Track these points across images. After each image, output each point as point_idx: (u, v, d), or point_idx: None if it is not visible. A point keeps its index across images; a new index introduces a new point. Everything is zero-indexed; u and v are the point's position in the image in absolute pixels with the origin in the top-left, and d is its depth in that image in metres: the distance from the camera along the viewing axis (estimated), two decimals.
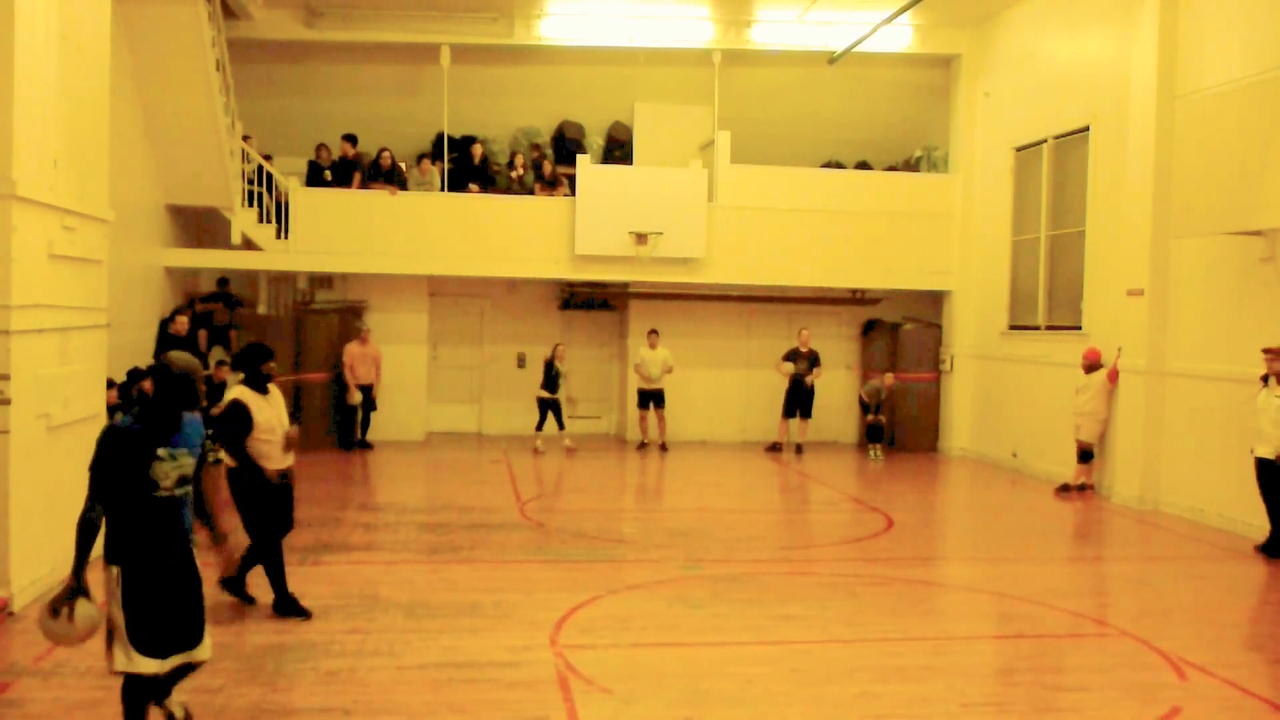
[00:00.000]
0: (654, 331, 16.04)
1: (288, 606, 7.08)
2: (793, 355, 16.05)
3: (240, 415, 6.94)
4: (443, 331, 17.02)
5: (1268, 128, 9.87)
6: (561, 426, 15.54)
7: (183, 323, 13.42)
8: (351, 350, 15.26)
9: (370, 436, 15.63)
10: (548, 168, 16.23)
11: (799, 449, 16.09)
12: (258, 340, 7.54)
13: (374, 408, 15.55)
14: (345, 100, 16.68)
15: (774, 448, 16.14)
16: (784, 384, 16.45)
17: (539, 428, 15.55)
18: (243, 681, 5.75)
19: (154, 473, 4.43)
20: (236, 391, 7.03)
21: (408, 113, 16.78)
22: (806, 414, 16.16)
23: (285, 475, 7.24)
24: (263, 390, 7.07)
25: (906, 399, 16.67)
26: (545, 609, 7.30)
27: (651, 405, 15.97)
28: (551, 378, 15.43)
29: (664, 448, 15.90)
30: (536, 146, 16.81)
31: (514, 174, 16.42)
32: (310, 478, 12.92)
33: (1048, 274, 14.43)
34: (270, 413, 7.06)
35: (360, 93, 16.76)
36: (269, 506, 7.14)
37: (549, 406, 15.47)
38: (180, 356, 4.59)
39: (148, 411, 4.55)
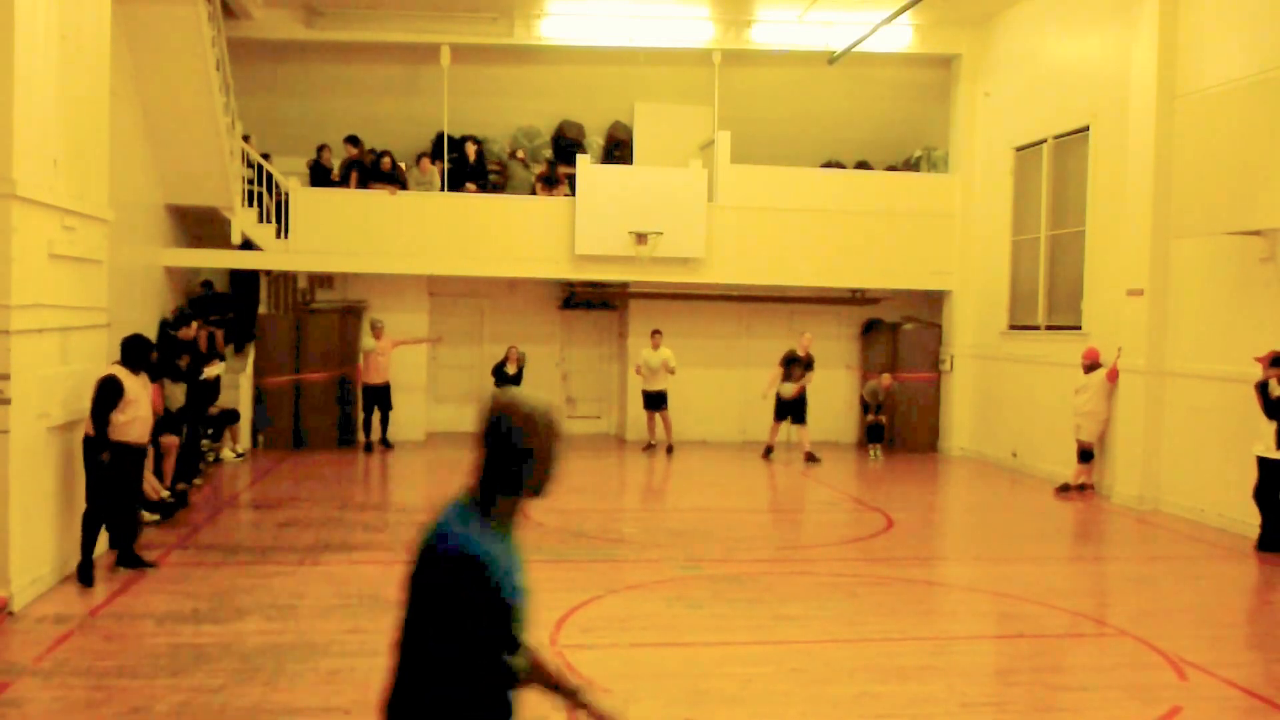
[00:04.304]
0: (656, 332, 15.88)
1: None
2: (792, 358, 15.43)
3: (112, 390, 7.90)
4: (443, 331, 16.98)
5: (1268, 128, 9.87)
6: None
7: (195, 327, 13.44)
8: (373, 346, 15.12)
9: (370, 436, 15.61)
10: (540, 169, 16.29)
11: (812, 457, 15.16)
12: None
13: (390, 407, 15.46)
14: (345, 100, 16.67)
15: (768, 452, 15.53)
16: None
17: None
18: (243, 681, 5.75)
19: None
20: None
21: (408, 113, 16.77)
22: (800, 419, 15.40)
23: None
24: (136, 372, 8.21)
25: (906, 399, 16.67)
26: (545, 609, 7.28)
27: (655, 406, 15.88)
28: (505, 378, 15.61)
29: (670, 449, 15.76)
30: (514, 154, 16.84)
31: (517, 165, 16.50)
32: (311, 477, 12.94)
33: (1048, 274, 14.42)
34: (140, 390, 8.14)
35: (360, 93, 16.75)
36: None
37: None
38: (521, 401, 2.58)
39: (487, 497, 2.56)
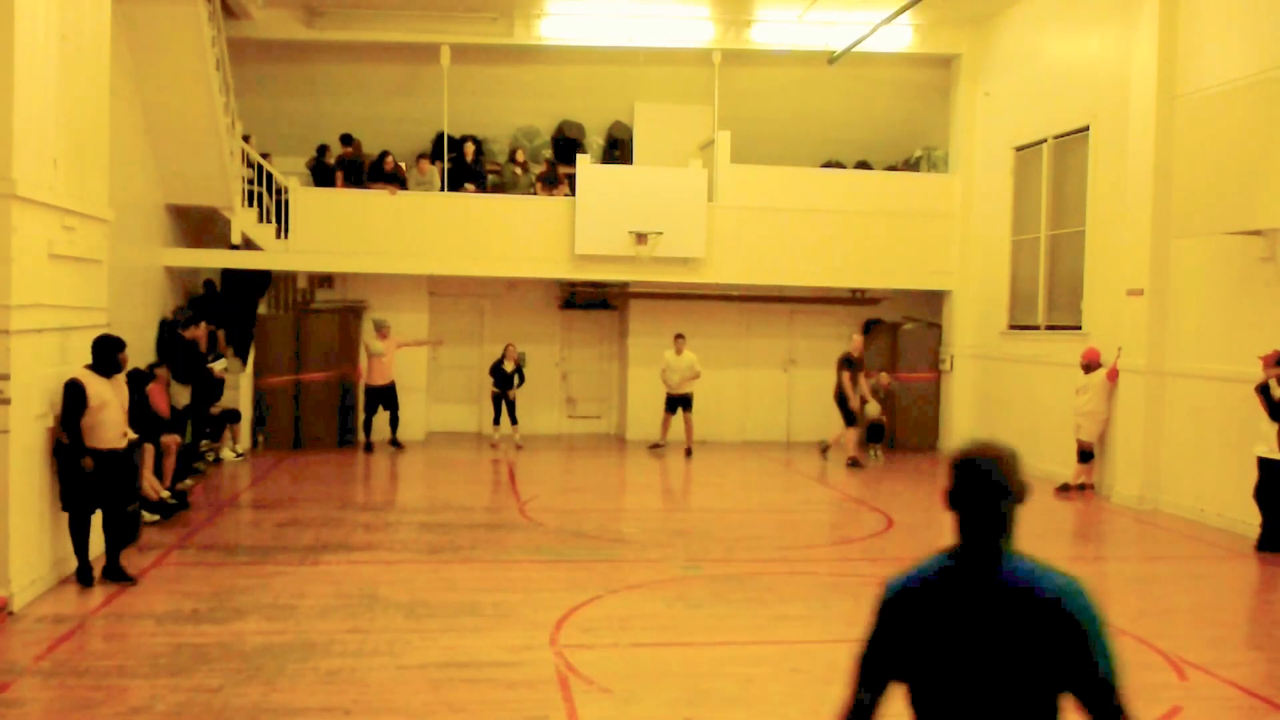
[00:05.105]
0: (680, 336, 15.62)
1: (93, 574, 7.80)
2: (850, 361, 14.84)
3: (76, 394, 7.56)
4: (443, 331, 16.98)
5: (1268, 128, 9.87)
6: (514, 422, 15.82)
7: (204, 329, 13.48)
8: (380, 349, 15.03)
9: (371, 436, 15.58)
10: (540, 169, 16.28)
11: (828, 450, 15.24)
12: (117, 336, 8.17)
13: (397, 407, 15.36)
14: (345, 100, 16.67)
15: (853, 463, 14.75)
16: (779, 384, 16.35)
17: (495, 422, 15.96)
18: (243, 681, 5.75)
19: None
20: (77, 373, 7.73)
21: (408, 113, 16.78)
22: (852, 421, 14.94)
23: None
24: (108, 375, 7.84)
25: (904, 398, 16.65)
26: (545, 609, 7.30)
27: (680, 409, 15.59)
28: (503, 376, 15.66)
29: (689, 451, 15.52)
30: (513, 158, 16.84)
31: (515, 169, 16.47)
32: (311, 477, 12.94)
33: (1048, 274, 14.42)
34: (109, 394, 7.78)
35: (360, 93, 16.75)
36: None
37: (501, 401, 15.85)
38: (991, 451, 2.54)
39: (969, 547, 2.52)
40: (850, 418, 14.87)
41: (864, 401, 15.02)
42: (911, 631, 2.53)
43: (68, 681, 5.75)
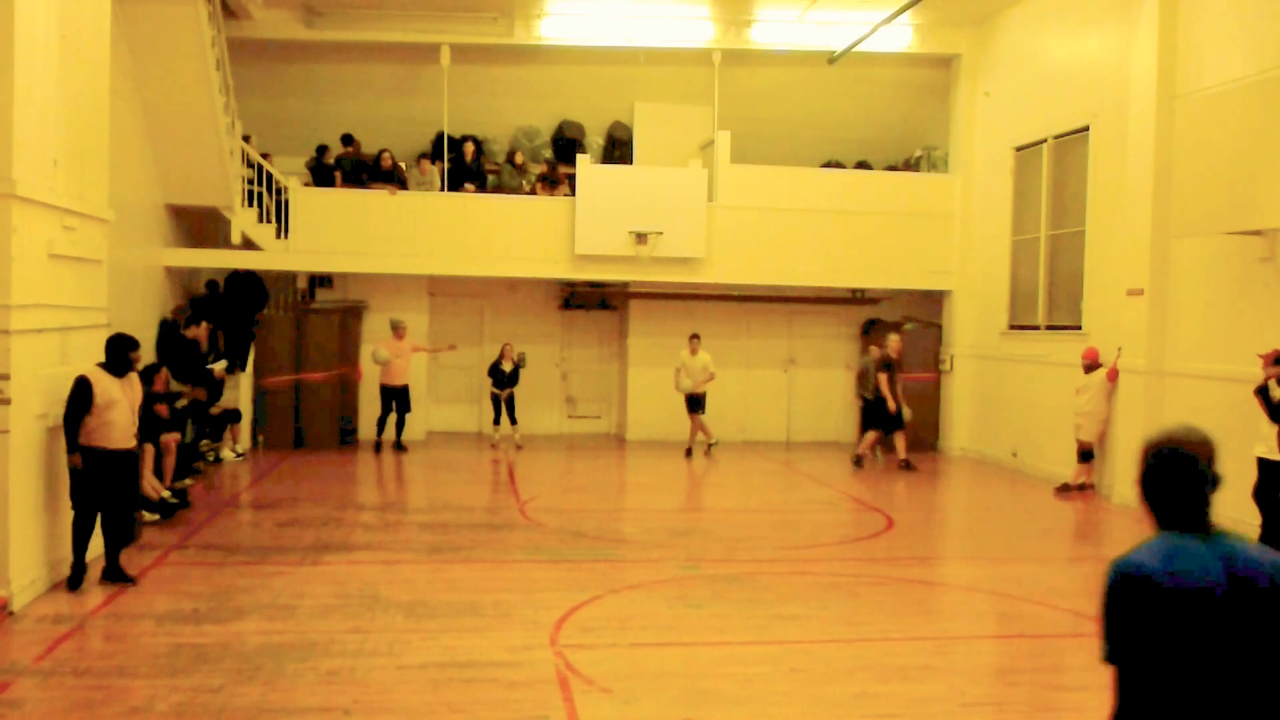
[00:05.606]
0: (695, 336, 15.48)
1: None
2: (889, 364, 14.62)
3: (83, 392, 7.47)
4: (443, 331, 16.98)
5: (1268, 128, 9.86)
6: (514, 422, 15.78)
7: (205, 328, 13.48)
8: (387, 357, 14.97)
9: (372, 436, 15.57)
10: (540, 169, 16.28)
11: (908, 464, 14.46)
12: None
13: (409, 409, 15.37)
14: (345, 100, 16.67)
15: (858, 461, 14.85)
16: (779, 384, 16.31)
17: (495, 423, 15.93)
18: (243, 681, 5.75)
19: None
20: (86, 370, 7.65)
21: (408, 113, 16.78)
22: (899, 424, 14.52)
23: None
24: (120, 374, 7.74)
25: (906, 399, 16.60)
26: (545, 609, 7.30)
27: (694, 410, 15.49)
28: (502, 376, 15.66)
29: (689, 452, 15.50)
30: (510, 159, 16.82)
31: (517, 171, 16.46)
32: (311, 477, 12.95)
33: (1048, 274, 14.42)
34: (118, 393, 7.67)
35: (360, 93, 16.75)
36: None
37: (500, 402, 15.81)
38: (1193, 438, 2.64)
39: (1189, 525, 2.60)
40: (885, 421, 14.67)
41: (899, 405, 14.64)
42: (1149, 617, 2.51)
43: (68, 681, 5.75)
